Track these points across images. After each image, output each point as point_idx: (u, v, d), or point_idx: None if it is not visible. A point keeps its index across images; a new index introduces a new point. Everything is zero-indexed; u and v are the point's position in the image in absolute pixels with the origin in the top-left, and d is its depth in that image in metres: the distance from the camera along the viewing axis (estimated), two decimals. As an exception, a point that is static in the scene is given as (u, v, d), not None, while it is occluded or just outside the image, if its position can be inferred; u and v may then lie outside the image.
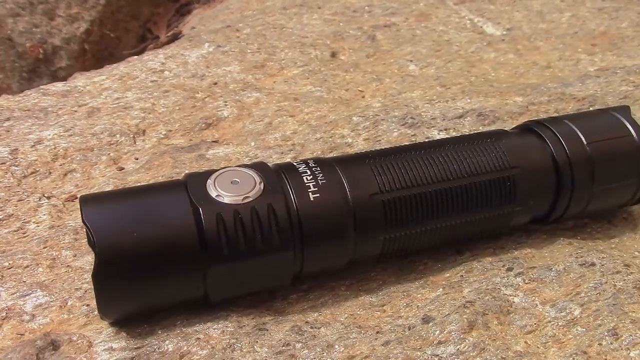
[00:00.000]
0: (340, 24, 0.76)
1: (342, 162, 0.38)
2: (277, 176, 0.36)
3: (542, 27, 0.75)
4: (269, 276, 0.35)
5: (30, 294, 0.37)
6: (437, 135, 0.53)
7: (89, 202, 0.33)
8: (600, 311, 0.37)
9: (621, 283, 0.38)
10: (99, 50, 0.94)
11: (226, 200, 0.34)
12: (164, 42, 0.82)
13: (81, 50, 0.91)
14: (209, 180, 0.35)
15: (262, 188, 0.35)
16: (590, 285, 0.38)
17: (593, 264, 0.40)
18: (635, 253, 0.43)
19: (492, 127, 0.54)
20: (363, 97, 0.62)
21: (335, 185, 0.36)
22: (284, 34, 0.74)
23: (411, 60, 0.68)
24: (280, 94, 0.60)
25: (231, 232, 0.33)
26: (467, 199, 0.38)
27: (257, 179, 0.35)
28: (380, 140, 0.52)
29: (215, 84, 0.63)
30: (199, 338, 0.35)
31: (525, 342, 0.35)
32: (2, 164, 0.50)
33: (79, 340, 0.34)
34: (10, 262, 0.40)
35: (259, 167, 0.36)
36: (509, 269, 0.40)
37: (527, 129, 0.42)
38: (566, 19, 0.77)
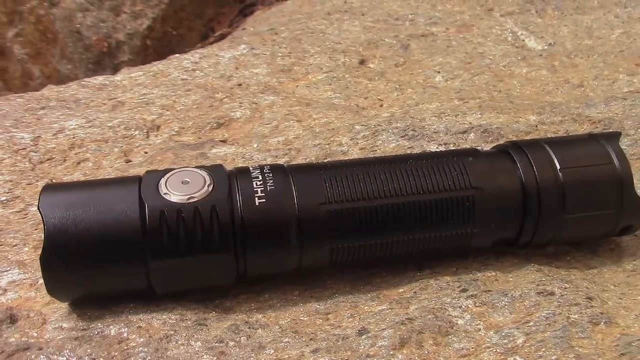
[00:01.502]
0: (379, 31, 0.77)
1: (297, 171, 0.38)
2: (228, 180, 0.37)
3: (586, 44, 0.72)
4: (210, 275, 0.37)
5: (9, 270, 0.41)
6: (434, 149, 0.52)
7: (48, 190, 0.36)
8: (544, 342, 0.36)
9: (576, 316, 0.37)
10: (161, 47, 0.99)
11: (172, 198, 0.36)
12: (211, 42, 0.85)
13: (143, 46, 0.97)
14: (162, 178, 0.37)
15: (209, 190, 0.36)
16: (543, 314, 0.37)
17: (552, 294, 0.39)
18: (610, 287, 0.41)
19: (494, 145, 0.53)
20: (381, 106, 0.63)
21: (283, 193, 0.37)
22: (319, 39, 0.75)
23: (439, 72, 0.68)
24: (295, 99, 0.62)
25: (173, 230, 0.35)
26: (419, 216, 0.38)
27: (207, 181, 0.37)
28: (376, 151, 0.52)
29: (240, 85, 0.66)
30: (140, 326, 0.37)
31: (457, 365, 0.35)
32: (22, 149, 0.54)
33: (36, 317, 0.37)
34: (2, 239, 0.44)
35: (214, 170, 0.38)
36: (464, 290, 0.39)
37: (503, 149, 0.42)
38: (615, 36, 0.74)
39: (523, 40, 0.74)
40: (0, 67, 1.06)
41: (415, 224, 0.38)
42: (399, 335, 0.36)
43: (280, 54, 0.71)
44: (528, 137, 0.53)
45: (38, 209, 0.35)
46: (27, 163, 0.53)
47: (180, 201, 0.36)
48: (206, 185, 0.37)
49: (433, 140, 0.53)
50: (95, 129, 0.57)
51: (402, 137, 0.54)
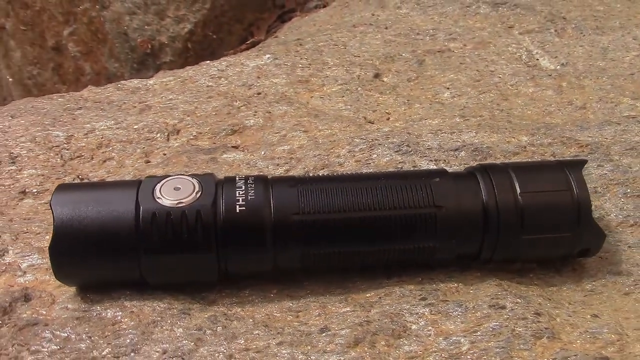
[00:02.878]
0: (398, 45, 0.80)
1: (277, 183, 0.43)
2: (215, 188, 0.42)
3: (599, 65, 0.74)
4: (194, 271, 0.42)
5: (30, 255, 0.47)
6: (424, 165, 0.56)
7: (60, 189, 0.42)
8: (487, 351, 0.39)
9: (521, 329, 0.41)
10: (201, 49, 1.05)
11: (164, 202, 0.41)
12: (242, 49, 0.91)
13: (184, 48, 1.03)
14: (158, 184, 0.42)
15: (197, 196, 0.41)
16: (490, 325, 0.41)
17: (503, 307, 0.42)
18: (565, 304, 0.44)
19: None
20: (388, 119, 0.66)
21: (262, 202, 0.42)
22: (340, 51, 0.79)
23: (448, 88, 0.71)
24: (306, 110, 0.66)
25: (162, 230, 0.40)
26: (385, 229, 0.42)
27: (196, 188, 0.42)
28: (369, 164, 0.57)
29: (259, 94, 0.71)
30: (132, 311, 0.42)
31: (404, 366, 0.39)
32: (56, 146, 0.61)
33: (46, 297, 0.43)
34: (28, 228, 0.50)
35: (204, 178, 0.43)
36: (423, 299, 0.43)
37: (471, 172, 0.45)
38: (630, 58, 0.75)
39: (537, 59, 0.76)
40: (56, 63, 1.15)
41: (381, 237, 0.42)
42: (355, 335, 0.40)
43: (300, 65, 0.76)
44: (515, 158, 0.56)
45: (50, 205, 0.41)
46: (58, 159, 0.59)
47: (170, 205, 0.41)
48: (194, 192, 0.42)
49: (425, 156, 0.57)
50: (122, 131, 0.63)
51: (396, 152, 0.57)
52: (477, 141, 0.59)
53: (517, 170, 0.44)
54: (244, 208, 0.41)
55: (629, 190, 0.53)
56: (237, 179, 0.43)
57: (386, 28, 0.85)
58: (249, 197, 0.42)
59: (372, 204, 0.42)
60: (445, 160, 0.57)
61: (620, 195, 0.52)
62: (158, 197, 0.41)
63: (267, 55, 0.78)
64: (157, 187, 0.42)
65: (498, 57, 0.77)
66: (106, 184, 0.45)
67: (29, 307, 0.43)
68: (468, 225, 0.43)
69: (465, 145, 0.58)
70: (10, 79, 1.26)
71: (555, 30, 0.82)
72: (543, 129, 0.61)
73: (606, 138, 0.59)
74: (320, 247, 0.42)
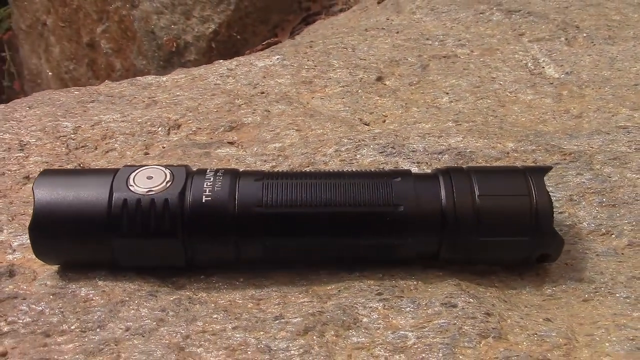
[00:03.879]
0: (405, 50, 0.82)
1: (244, 176, 0.45)
2: (185, 179, 0.45)
3: (603, 75, 0.74)
4: (162, 255, 0.45)
5: (22, 235, 0.51)
6: (406, 166, 0.57)
7: (44, 174, 0.45)
8: (431, 346, 0.41)
9: (468, 327, 0.42)
10: (225, 49, 1.09)
11: (136, 190, 0.44)
12: (258, 49, 0.93)
13: (208, 48, 1.06)
14: (132, 173, 0.45)
15: (167, 186, 0.44)
16: (439, 322, 0.42)
17: (455, 306, 0.43)
18: (521, 307, 0.45)
19: (464, 167, 0.57)
20: (384, 121, 0.68)
21: (227, 194, 0.44)
22: (347, 54, 0.81)
23: (447, 93, 0.72)
24: (303, 109, 0.68)
25: (131, 215, 0.43)
26: (344, 225, 0.44)
27: (168, 178, 0.45)
28: (352, 163, 0.58)
29: (262, 93, 0.73)
30: (104, 291, 0.45)
31: (349, 356, 0.40)
32: (63, 136, 0.65)
33: (29, 274, 0.47)
34: (25, 210, 0.54)
35: (177, 169, 0.45)
36: (379, 294, 0.45)
37: (434, 173, 0.46)
38: (637, 69, 0.74)
39: (542, 67, 0.77)
40: (90, 59, 1.20)
41: (340, 232, 0.44)
42: (306, 324, 0.42)
43: (306, 67, 0.78)
44: (496, 164, 0.57)
45: (32, 188, 0.44)
46: (63, 148, 0.63)
47: (141, 193, 0.44)
48: (165, 182, 0.44)
49: (409, 158, 0.58)
50: (126, 124, 0.67)
51: (380, 152, 0.59)
52: (462, 145, 0.60)
53: (479, 173, 0.45)
54: (209, 198, 0.44)
55: (604, 199, 0.53)
56: (207, 171, 0.46)
57: (397, 32, 0.87)
58: (216, 189, 0.44)
59: (332, 200, 0.44)
60: (427, 163, 0.58)
61: (595, 204, 0.53)
62: (131, 185, 0.44)
63: (277, 56, 0.81)
64: (132, 175, 0.45)
65: (503, 64, 0.77)
66: (87, 171, 0.48)
67: (12, 281, 0.46)
68: (426, 225, 0.44)
69: (449, 149, 0.59)
70: (49, 73, 1.32)
71: (566, 39, 0.82)
72: (532, 136, 0.61)
73: (592, 147, 0.59)
74: (281, 240, 0.44)
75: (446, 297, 0.44)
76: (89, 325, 0.43)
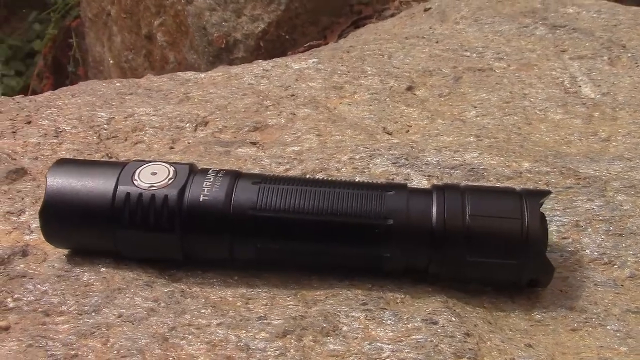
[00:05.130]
0: (441, 60, 0.81)
1: (243, 178, 0.47)
2: (187, 177, 0.47)
3: (641, 98, 0.72)
4: (160, 249, 0.47)
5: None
6: (417, 178, 0.58)
7: (59, 163, 0.48)
8: (403, 360, 0.41)
9: (444, 346, 0.42)
10: (273, 49, 1.11)
11: (139, 185, 0.46)
12: (300, 51, 0.95)
13: (256, 46, 1.09)
14: (139, 168, 0.47)
15: (168, 183, 0.46)
16: (416, 338, 0.43)
17: (435, 323, 0.44)
18: (506, 330, 0.45)
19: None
20: (407, 131, 0.68)
21: (224, 194, 0.46)
22: (381, 62, 0.81)
23: (475, 107, 0.71)
24: (327, 114, 0.70)
25: (133, 209, 0.45)
26: (334, 234, 0.45)
27: (171, 175, 0.47)
28: (364, 172, 0.59)
29: (292, 95, 0.75)
30: (105, 277, 0.48)
31: (323, 361, 0.42)
32: (97, 125, 0.68)
33: (40, 255, 0.50)
34: (49, 194, 0.57)
35: (181, 167, 0.47)
36: (364, 304, 0.46)
37: (429, 189, 0.47)
38: (678, 94, 0.72)
39: (579, 86, 0.75)
40: (147, 50, 1.25)
41: (330, 240, 0.45)
42: (285, 327, 0.43)
43: (339, 72, 0.79)
44: (507, 183, 0.57)
45: (45, 176, 0.47)
46: (95, 138, 0.67)
47: (143, 188, 0.46)
48: (167, 179, 0.46)
49: (420, 171, 0.59)
50: (157, 117, 0.70)
51: (393, 163, 0.60)
52: (477, 162, 0.59)
53: (474, 193, 0.45)
54: (207, 198, 0.46)
55: (612, 227, 0.52)
56: (209, 171, 0.48)
57: (436, 42, 0.86)
58: (214, 189, 0.46)
59: (324, 208, 0.45)
60: (438, 177, 0.58)
61: (601, 232, 0.52)
62: (135, 180, 0.46)
63: (313, 60, 0.82)
64: (138, 170, 0.47)
65: (538, 80, 0.76)
66: (99, 163, 0.51)
67: (24, 261, 0.49)
68: (414, 240, 0.45)
69: (462, 165, 0.59)
70: (111, 61, 1.38)
71: (609, 58, 0.80)
72: (551, 157, 0.61)
73: (610, 173, 0.57)
74: (272, 243, 0.46)
75: (429, 313, 0.45)
76: (86, 308, 0.45)
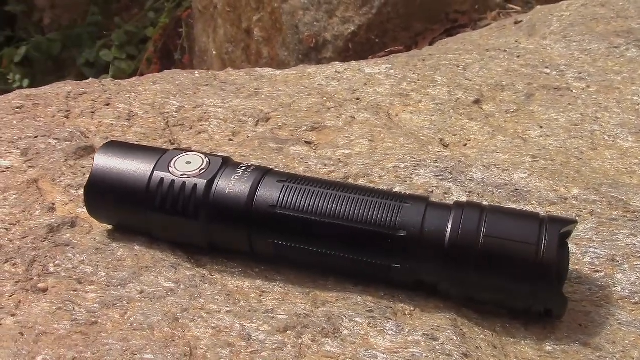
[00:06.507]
0: (517, 76, 0.79)
1: (270, 176, 0.49)
2: (219, 169, 0.49)
3: None
4: (187, 234, 0.50)
5: (97, 193, 0.58)
6: (458, 194, 0.57)
7: (108, 145, 0.52)
8: (395, 372, 0.41)
9: (442, 358, 0.42)
10: (363, 51, 1.12)
11: (173, 172, 0.49)
12: (380, 56, 0.95)
13: (345, 47, 1.10)
14: (177, 156, 0.50)
15: (200, 173, 0.49)
16: (413, 351, 0.43)
17: (435, 339, 0.44)
18: (512, 358, 0.44)
19: (515, 206, 0.55)
20: (465, 145, 0.67)
21: (249, 189, 0.48)
22: (454, 72, 0.80)
23: (541, 127, 0.69)
24: (385, 121, 0.70)
25: (164, 194, 0.48)
26: (348, 239, 0.46)
27: (204, 166, 0.49)
28: (405, 181, 0.59)
29: (357, 99, 0.75)
30: (137, 255, 0.51)
31: (317, 361, 0.43)
32: (167, 112, 0.72)
33: (87, 227, 0.54)
34: (110, 172, 0.62)
35: (215, 159, 0.50)
36: (370, 311, 0.46)
37: (450, 205, 0.46)
38: None
39: (660, 115, 0.70)
40: (245, 44, 1.29)
41: (343, 245, 0.46)
42: (287, 322, 0.45)
43: (409, 79, 0.79)
44: (550, 208, 0.55)
45: (93, 155, 0.51)
46: (163, 124, 0.71)
47: (175, 175, 0.49)
48: (200, 169, 0.49)
49: (463, 186, 0.58)
50: (223, 110, 0.73)
51: (436, 176, 0.59)
52: (523, 183, 0.58)
53: (494, 213, 0.45)
54: (232, 191, 0.48)
55: (651, 267, 0.49)
56: (240, 165, 0.50)
57: (517, 57, 0.84)
58: (241, 183, 0.48)
59: (341, 213, 0.46)
60: (479, 195, 0.57)
61: (638, 270, 0.49)
62: (170, 167, 0.49)
63: (386, 66, 0.83)
64: (175, 158, 0.50)
65: (616, 104, 0.72)
66: (144, 148, 0.54)
67: (71, 231, 0.54)
68: (426, 254, 0.45)
69: (507, 184, 0.58)
70: (214, 52, 1.45)
71: (702, 87, 0.74)
72: (605, 186, 0.58)
73: (664, 209, 0.54)
74: (288, 241, 0.47)
75: (432, 328, 0.44)
76: (114, 281, 0.49)
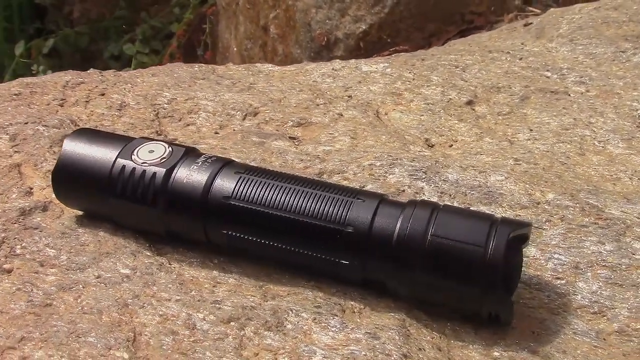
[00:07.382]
0: (516, 78, 0.77)
1: (228, 167, 0.49)
2: (179, 158, 0.49)
3: None
4: (146, 221, 0.50)
5: (74, 180, 0.59)
6: (430, 194, 0.56)
7: (78, 131, 0.53)
8: (331, 369, 0.41)
9: (380, 357, 0.41)
10: (374, 50, 1.11)
11: (135, 160, 0.50)
12: (385, 55, 0.94)
13: (356, 46, 1.10)
14: (141, 145, 0.51)
15: (160, 162, 0.49)
16: (352, 349, 0.42)
17: (377, 338, 0.43)
18: (455, 359, 0.43)
19: (485, 209, 0.54)
20: (450, 146, 0.66)
21: (206, 179, 0.48)
22: (452, 73, 0.79)
23: (531, 130, 0.67)
24: (371, 119, 0.69)
25: (125, 181, 0.49)
26: (298, 233, 0.46)
27: (165, 155, 0.50)
28: (379, 179, 0.58)
29: (349, 97, 0.75)
30: (99, 240, 0.52)
31: (255, 354, 0.43)
32: (158, 104, 0.73)
33: (57, 212, 0.55)
34: (91, 160, 0.63)
35: (178, 149, 0.50)
36: (318, 307, 0.46)
37: (403, 204, 0.46)
38: None
39: (658, 122, 0.68)
40: (262, 41, 1.30)
41: (293, 239, 0.46)
42: (232, 314, 0.45)
43: (404, 79, 0.78)
44: (520, 212, 0.53)
45: (62, 141, 0.52)
46: (152, 115, 0.72)
47: (138, 163, 0.49)
48: (161, 158, 0.50)
49: (436, 186, 0.57)
50: (214, 103, 0.73)
51: (410, 175, 0.58)
52: (497, 186, 0.57)
53: (446, 213, 0.44)
54: (190, 180, 0.48)
55: (614, 276, 0.47)
56: (202, 156, 0.50)
57: (520, 59, 0.82)
58: (199, 173, 0.48)
59: (292, 207, 0.46)
60: (450, 195, 0.56)
61: (601, 279, 0.47)
62: (133, 155, 0.50)
63: (384, 64, 0.82)
64: (139, 147, 0.51)
65: (612, 109, 0.70)
66: (111, 135, 0.55)
67: (42, 215, 0.55)
68: (372, 252, 0.44)
69: (480, 187, 0.56)
70: (235, 49, 1.46)
71: None
72: (584, 192, 0.56)
73: (638, 219, 0.52)
74: (241, 232, 0.47)
75: (376, 327, 0.44)
76: (74, 265, 0.50)
